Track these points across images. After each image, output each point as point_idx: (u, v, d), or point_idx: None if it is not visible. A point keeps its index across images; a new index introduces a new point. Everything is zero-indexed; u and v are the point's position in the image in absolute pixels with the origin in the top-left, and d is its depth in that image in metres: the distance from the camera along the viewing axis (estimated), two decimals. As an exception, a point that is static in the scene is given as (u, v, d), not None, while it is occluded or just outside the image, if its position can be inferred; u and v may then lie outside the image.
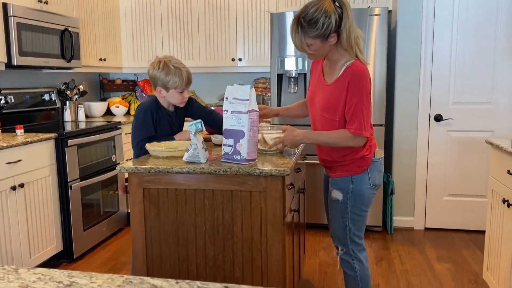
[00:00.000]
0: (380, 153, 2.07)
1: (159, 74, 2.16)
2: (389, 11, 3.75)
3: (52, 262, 3.09)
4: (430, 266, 3.07)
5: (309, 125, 2.16)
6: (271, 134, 2.06)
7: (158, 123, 2.21)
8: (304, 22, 1.84)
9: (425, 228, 3.81)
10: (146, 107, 2.19)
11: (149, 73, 2.21)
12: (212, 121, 2.37)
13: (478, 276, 2.91)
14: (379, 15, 3.44)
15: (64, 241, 3.12)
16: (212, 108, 2.46)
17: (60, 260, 3.14)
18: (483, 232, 3.49)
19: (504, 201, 2.28)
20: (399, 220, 3.83)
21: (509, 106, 3.56)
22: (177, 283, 0.79)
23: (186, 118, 2.43)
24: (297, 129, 2.00)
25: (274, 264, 1.78)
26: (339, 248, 2.13)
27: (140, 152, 2.15)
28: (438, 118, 3.67)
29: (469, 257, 3.23)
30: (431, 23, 3.58)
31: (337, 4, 1.85)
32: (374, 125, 3.53)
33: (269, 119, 3.73)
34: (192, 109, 2.37)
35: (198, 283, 0.78)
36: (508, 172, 2.23)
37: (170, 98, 2.21)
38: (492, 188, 2.49)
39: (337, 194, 2.04)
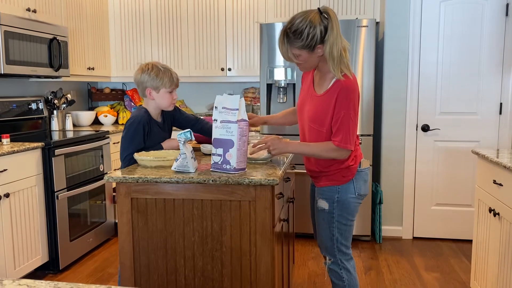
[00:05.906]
0: (365, 163, 2.09)
1: (148, 76, 2.15)
2: (377, 23, 3.80)
3: (37, 274, 3.04)
4: (419, 275, 3.09)
5: (297, 135, 2.17)
6: (255, 141, 2.05)
7: (149, 135, 2.20)
8: (290, 32, 1.87)
9: (413, 238, 3.83)
10: (139, 120, 2.16)
11: (136, 78, 2.19)
12: (201, 129, 2.37)
13: (465, 285, 2.93)
14: (367, 26, 3.49)
15: (50, 252, 3.07)
16: (201, 117, 2.46)
17: (45, 271, 3.09)
18: (471, 241, 3.52)
19: (490, 210, 2.30)
20: (387, 229, 3.85)
21: (494, 116, 3.62)
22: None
23: (173, 128, 2.42)
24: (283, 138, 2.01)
25: (263, 274, 1.77)
26: (327, 258, 2.13)
27: (127, 164, 2.13)
28: (425, 128, 3.71)
29: (457, 266, 3.25)
30: (417, 35, 3.64)
31: (324, 15, 1.87)
32: (362, 135, 3.60)
33: (258, 128, 3.74)
34: (180, 118, 2.37)
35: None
36: (494, 181, 2.26)
37: (160, 99, 2.19)
38: (479, 197, 2.52)
39: (323, 204, 2.06)
